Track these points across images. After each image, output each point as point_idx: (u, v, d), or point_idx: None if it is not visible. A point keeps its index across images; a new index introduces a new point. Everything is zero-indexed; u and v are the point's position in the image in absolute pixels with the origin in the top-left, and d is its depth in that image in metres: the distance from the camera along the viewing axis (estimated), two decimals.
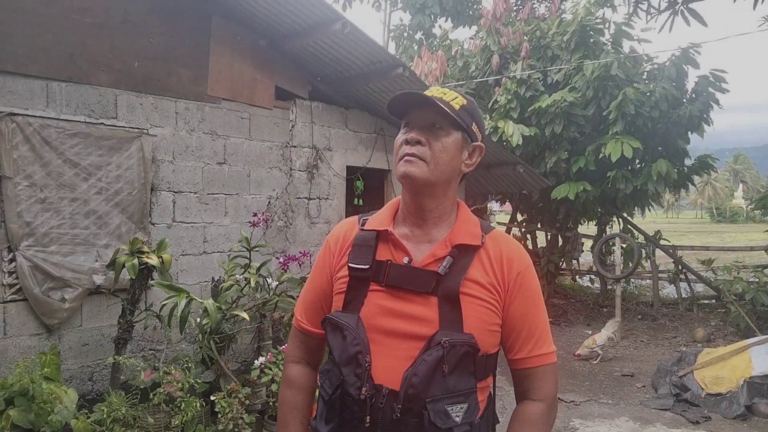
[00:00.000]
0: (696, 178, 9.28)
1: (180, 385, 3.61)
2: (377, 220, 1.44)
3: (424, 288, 1.31)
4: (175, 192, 4.84)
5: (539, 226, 10.68)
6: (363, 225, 1.44)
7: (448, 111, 1.32)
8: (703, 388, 5.21)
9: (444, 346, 1.24)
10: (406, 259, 1.35)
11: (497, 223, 11.75)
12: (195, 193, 4.97)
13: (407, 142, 1.34)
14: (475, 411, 1.29)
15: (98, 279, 4.24)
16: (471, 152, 1.41)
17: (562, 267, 10.66)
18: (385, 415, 1.24)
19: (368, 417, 1.24)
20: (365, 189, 6.63)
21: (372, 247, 1.38)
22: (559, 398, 5.31)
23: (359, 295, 1.35)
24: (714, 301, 9.55)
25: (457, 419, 1.24)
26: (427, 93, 1.36)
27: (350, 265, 1.37)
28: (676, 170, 8.23)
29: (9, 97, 3.89)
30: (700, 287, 10.19)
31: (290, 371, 1.53)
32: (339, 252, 1.45)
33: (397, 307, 1.32)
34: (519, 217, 11.21)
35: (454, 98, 1.36)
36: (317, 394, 1.50)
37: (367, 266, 1.35)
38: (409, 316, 1.30)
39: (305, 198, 5.88)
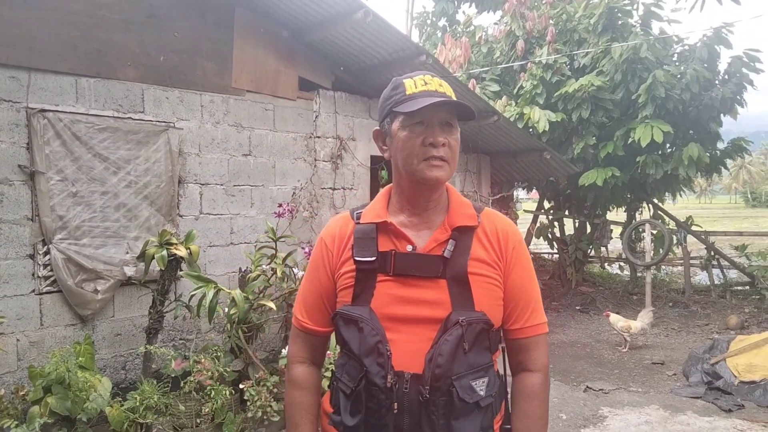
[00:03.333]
0: (729, 162, 9.04)
1: (210, 373, 3.69)
2: (373, 212, 1.45)
3: (432, 273, 1.35)
4: (202, 184, 4.91)
5: (567, 213, 10.55)
6: (358, 219, 1.46)
7: (464, 109, 1.36)
8: (736, 376, 5.11)
9: (462, 325, 1.29)
10: (409, 247, 1.38)
11: (524, 210, 11.63)
12: (221, 185, 5.03)
13: (432, 145, 1.34)
14: (495, 383, 1.36)
15: (129, 270, 4.33)
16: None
17: (591, 254, 10.52)
18: (411, 399, 1.27)
19: (395, 403, 1.27)
20: (389, 178, 6.62)
21: (374, 239, 1.40)
22: (588, 387, 5.29)
23: (368, 287, 1.37)
24: (748, 287, 9.34)
25: (482, 393, 1.31)
26: (429, 86, 1.36)
27: (357, 258, 1.39)
28: (708, 154, 8.01)
29: (40, 93, 3.99)
30: (733, 273, 9.98)
31: (296, 372, 1.53)
32: (338, 248, 1.45)
33: (408, 294, 1.35)
34: (546, 205, 11.08)
35: (450, 90, 1.38)
36: (323, 388, 1.54)
37: (373, 258, 1.38)
38: (421, 301, 1.34)
39: (330, 188, 5.91)
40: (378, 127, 1.48)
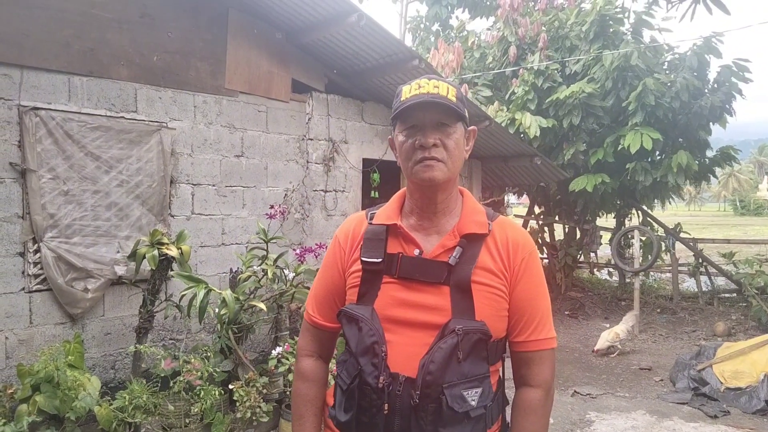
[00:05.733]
0: (718, 170, 9.13)
1: (199, 373, 3.69)
2: (385, 214, 1.47)
3: (436, 278, 1.35)
4: (194, 184, 4.91)
5: (557, 218, 10.61)
6: (371, 219, 1.47)
7: (455, 108, 1.34)
8: (722, 383, 5.16)
9: (458, 333, 1.29)
10: (416, 251, 1.39)
11: (514, 216, 11.69)
12: (213, 185, 5.03)
13: (422, 146, 1.34)
14: (489, 394, 1.34)
15: (120, 270, 4.32)
16: (468, 138, 1.45)
17: (580, 260, 10.58)
18: (403, 402, 1.28)
19: (386, 404, 1.28)
20: (381, 181, 6.64)
21: (383, 240, 1.41)
22: (575, 391, 5.32)
23: (373, 288, 1.39)
24: (735, 294, 9.42)
25: (473, 403, 1.29)
26: (422, 89, 1.35)
27: (363, 259, 1.41)
28: (697, 162, 8.09)
29: (32, 91, 3.98)
30: (721, 281, 10.05)
31: (303, 365, 1.56)
32: (350, 247, 1.48)
33: (410, 297, 1.36)
34: (536, 210, 11.14)
35: (447, 90, 1.36)
36: (331, 383, 1.55)
37: (379, 260, 1.39)
38: (422, 306, 1.34)
39: (322, 190, 5.92)
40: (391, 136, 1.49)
